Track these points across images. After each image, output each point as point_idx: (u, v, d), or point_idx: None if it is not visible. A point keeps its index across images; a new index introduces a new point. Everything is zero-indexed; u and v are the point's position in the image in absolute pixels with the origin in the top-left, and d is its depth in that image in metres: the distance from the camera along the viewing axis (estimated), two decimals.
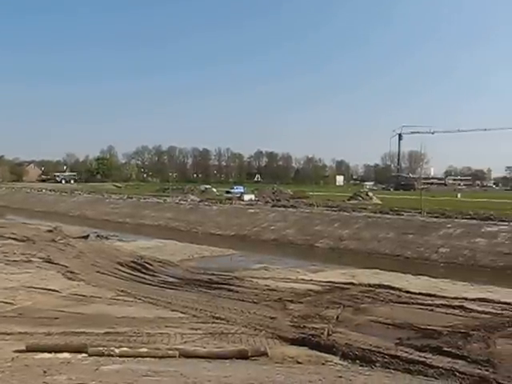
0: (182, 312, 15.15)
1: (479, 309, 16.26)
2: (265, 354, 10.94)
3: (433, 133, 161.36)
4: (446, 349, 11.88)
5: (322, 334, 12.88)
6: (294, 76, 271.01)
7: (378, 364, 10.92)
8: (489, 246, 30.66)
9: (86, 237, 34.09)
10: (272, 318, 14.57)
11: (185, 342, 11.83)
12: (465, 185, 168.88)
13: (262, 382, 8.10)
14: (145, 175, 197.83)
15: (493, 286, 21.20)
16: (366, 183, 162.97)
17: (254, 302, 16.54)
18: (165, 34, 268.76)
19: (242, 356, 10.65)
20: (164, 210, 56.20)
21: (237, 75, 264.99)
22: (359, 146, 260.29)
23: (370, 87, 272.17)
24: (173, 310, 15.39)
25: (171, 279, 21.01)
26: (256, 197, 69.20)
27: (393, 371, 10.48)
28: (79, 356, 10.10)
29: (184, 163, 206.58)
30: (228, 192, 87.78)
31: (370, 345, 12.05)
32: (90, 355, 10.03)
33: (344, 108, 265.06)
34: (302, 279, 21.25)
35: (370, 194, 76.29)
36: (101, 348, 10.34)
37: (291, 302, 16.60)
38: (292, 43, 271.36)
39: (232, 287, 18.95)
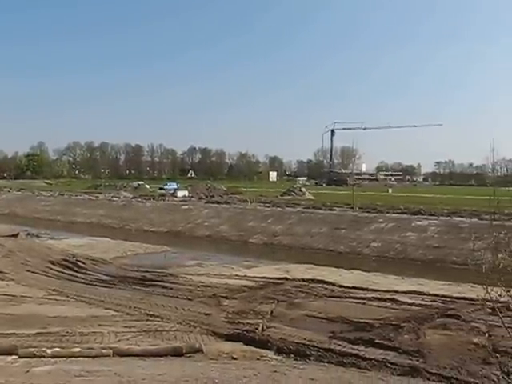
0: (115, 310, 14.95)
1: (410, 301, 16.66)
2: (200, 350, 10.92)
3: (364, 129, 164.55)
4: (378, 341, 12.15)
5: (257, 329, 12.93)
6: (228, 72, 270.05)
7: (312, 358, 11.08)
8: (419, 239, 31.47)
9: (16, 235, 33.10)
10: (207, 314, 14.55)
11: (119, 341, 11.69)
12: (396, 180, 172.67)
13: (197, 378, 8.08)
14: (76, 172, 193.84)
15: (423, 279, 21.79)
16: (299, 179, 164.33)
17: (189, 299, 16.47)
18: (94, 29, 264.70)
19: (177, 353, 10.61)
20: (96, 207, 55.38)
21: (170, 71, 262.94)
22: (292, 142, 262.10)
23: (303, 84, 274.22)
24: (106, 309, 15.17)
25: (104, 277, 20.69)
26: (189, 193, 69.01)
27: (327, 364, 10.66)
28: (9, 358, 9.83)
29: (116, 159, 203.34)
30: (161, 188, 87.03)
31: (304, 339, 12.19)
32: (20, 357, 9.78)
33: (277, 104, 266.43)
34: (236, 275, 21.30)
35: (303, 189, 76.93)
36: (32, 349, 10.11)
37: (226, 298, 16.61)
38: (227, 39, 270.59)
39: (166, 284, 18.83)
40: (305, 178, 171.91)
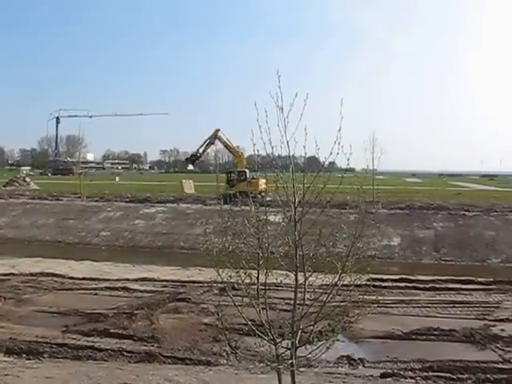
0: None
1: (141, 288, 17.01)
2: None
3: (90, 116, 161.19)
4: (112, 330, 12.21)
5: None
6: None
7: (45, 355, 10.73)
8: (147, 227, 32.02)
9: None
10: None
11: None
12: (123, 168, 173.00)
13: None
14: None
15: (153, 265, 22.33)
16: (23, 168, 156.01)
17: None
18: None
19: None
20: None
21: None
22: (16, 130, 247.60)
23: (26, 71, 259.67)
24: None
25: None
26: None
27: (62, 360, 10.41)
28: None
29: None
30: None
31: (36, 336, 11.78)
32: None
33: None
34: None
35: (28, 179, 73.41)
36: None
37: None
38: None
39: None
40: (29, 168, 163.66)
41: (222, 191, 42.05)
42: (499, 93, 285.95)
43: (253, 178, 41.04)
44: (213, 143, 46.21)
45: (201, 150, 47.52)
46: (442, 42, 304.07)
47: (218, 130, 45.50)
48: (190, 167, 52.52)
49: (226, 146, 46.58)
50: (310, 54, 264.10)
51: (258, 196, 37.53)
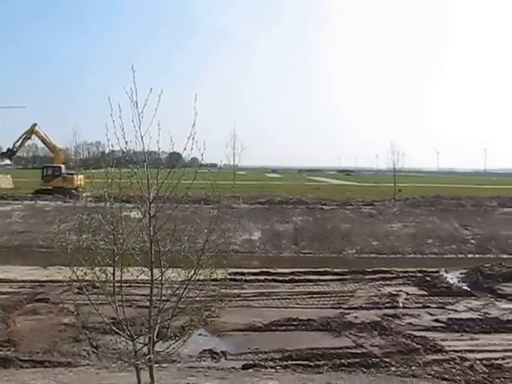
0: None
1: None
2: None
3: None
4: None
5: None
6: None
7: None
8: (3, 225, 30.58)
9: None
10: None
11: None
12: None
13: None
14: None
15: (9, 266, 21.37)
16: None
17: None
18: None
19: None
20: None
21: None
22: None
23: None
24: None
25: None
26: None
27: None
28: None
29: None
30: None
31: None
32: None
33: None
34: None
35: None
36: None
37: None
38: None
39: None
40: None
41: (37, 187, 43.19)
42: (356, 94, 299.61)
43: (68, 174, 41.73)
44: (29, 138, 46.21)
45: (17, 145, 47.11)
46: (301, 42, 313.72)
47: (35, 125, 45.32)
48: (7, 162, 51.70)
49: (43, 141, 46.65)
50: (174, 52, 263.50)
51: (74, 191, 39.82)
